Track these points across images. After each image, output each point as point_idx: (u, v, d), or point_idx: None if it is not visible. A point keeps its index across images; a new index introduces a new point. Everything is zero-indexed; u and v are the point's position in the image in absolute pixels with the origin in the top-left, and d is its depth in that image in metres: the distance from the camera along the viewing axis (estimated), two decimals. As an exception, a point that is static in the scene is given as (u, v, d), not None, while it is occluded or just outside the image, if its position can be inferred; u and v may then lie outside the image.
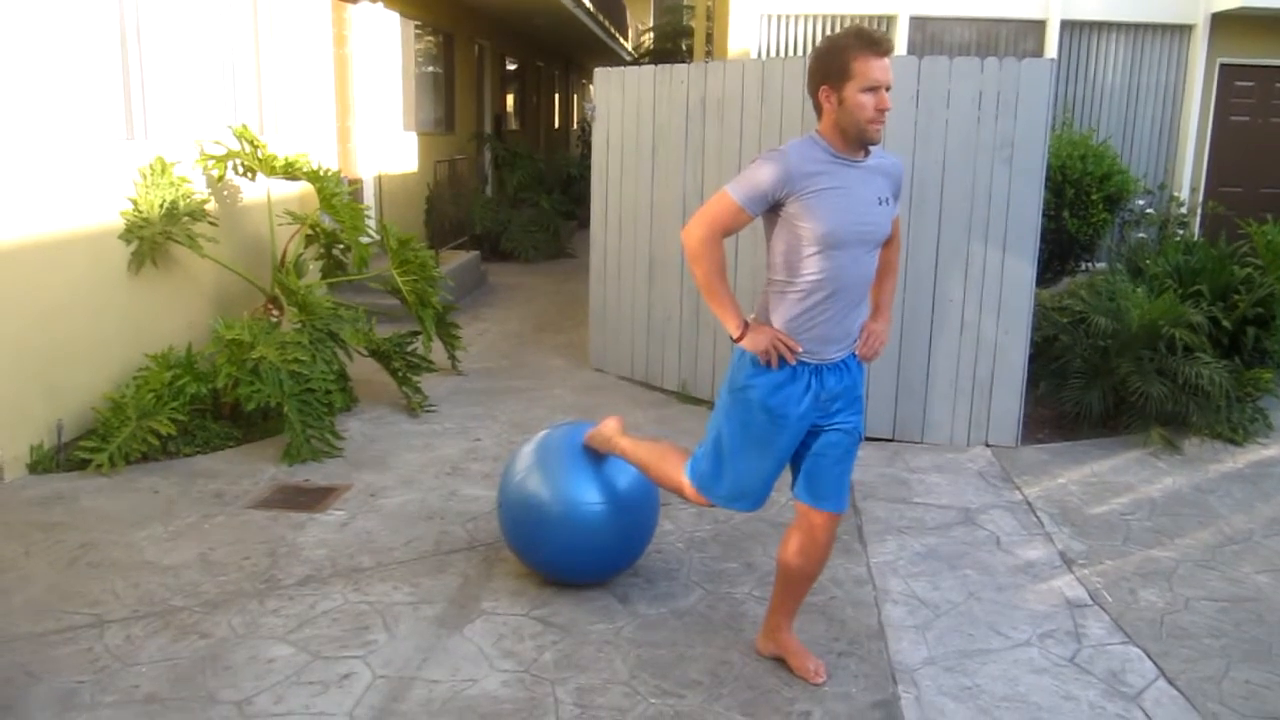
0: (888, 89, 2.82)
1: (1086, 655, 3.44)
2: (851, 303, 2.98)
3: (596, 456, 3.65)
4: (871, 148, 2.97)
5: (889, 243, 3.12)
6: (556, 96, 23.23)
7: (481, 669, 3.25)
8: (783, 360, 2.95)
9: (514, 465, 3.76)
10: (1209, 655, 3.47)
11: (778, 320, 2.97)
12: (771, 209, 2.90)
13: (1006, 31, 10.77)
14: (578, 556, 3.65)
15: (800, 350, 2.95)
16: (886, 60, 2.81)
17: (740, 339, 2.97)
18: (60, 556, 3.97)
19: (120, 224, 5.45)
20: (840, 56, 2.82)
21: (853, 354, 3.07)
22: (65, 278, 5.03)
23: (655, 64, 6.75)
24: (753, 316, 3.04)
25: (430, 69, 12.16)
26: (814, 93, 2.91)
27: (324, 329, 5.56)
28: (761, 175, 2.85)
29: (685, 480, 3.20)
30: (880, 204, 2.96)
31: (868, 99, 2.81)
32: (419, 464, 5.11)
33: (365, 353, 5.92)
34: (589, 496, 3.58)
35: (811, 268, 2.90)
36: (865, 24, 10.55)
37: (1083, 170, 7.40)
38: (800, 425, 3.02)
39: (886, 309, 3.20)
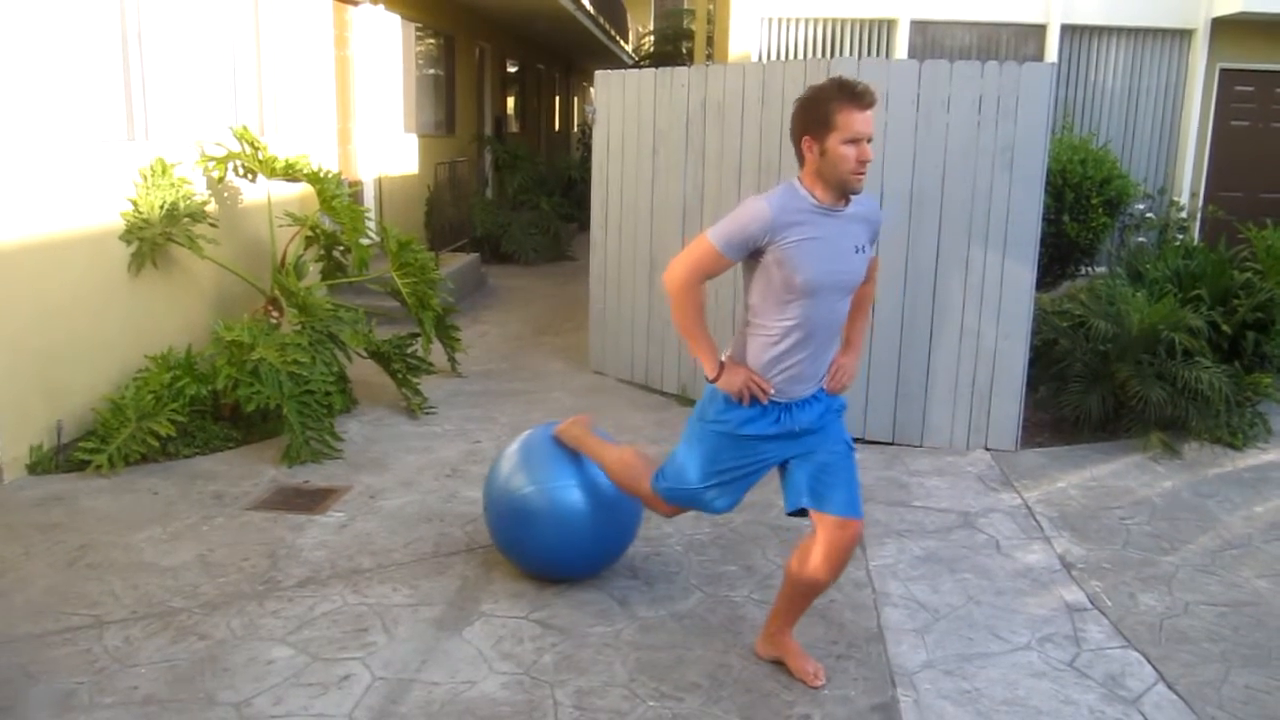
0: (869, 140, 2.86)
1: (1086, 659, 3.44)
2: (824, 345, 3.07)
3: (571, 451, 3.74)
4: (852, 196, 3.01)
5: (864, 282, 3.18)
6: (557, 99, 23.24)
7: (480, 671, 3.25)
8: (754, 399, 3.04)
9: (496, 469, 3.82)
10: (1208, 660, 3.47)
11: (752, 361, 3.05)
12: (751, 255, 2.95)
13: (1007, 35, 10.78)
14: (565, 545, 3.68)
15: (772, 391, 3.04)
16: (869, 112, 2.85)
17: (716, 379, 3.05)
18: (59, 557, 3.96)
19: (120, 225, 5.45)
20: (823, 107, 2.86)
21: (822, 389, 3.14)
22: (65, 279, 5.03)
23: (656, 67, 6.75)
24: (728, 354, 3.11)
25: (431, 71, 12.17)
26: (796, 142, 2.95)
27: (324, 330, 5.56)
28: (743, 223, 2.90)
29: (651, 490, 3.32)
30: (858, 252, 3.01)
31: (849, 150, 2.85)
32: (418, 466, 5.10)
33: (365, 354, 5.92)
34: (568, 481, 3.64)
35: (787, 313, 2.97)
36: (866, 28, 10.59)
37: (1083, 174, 7.41)
38: (769, 454, 3.11)
39: (858, 344, 3.28)
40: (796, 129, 2.94)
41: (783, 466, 3.18)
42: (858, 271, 3.02)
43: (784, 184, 2.99)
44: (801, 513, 3.17)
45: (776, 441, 3.10)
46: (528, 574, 3.87)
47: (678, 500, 3.28)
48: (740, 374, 3.02)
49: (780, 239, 2.88)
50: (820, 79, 5.30)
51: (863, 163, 2.86)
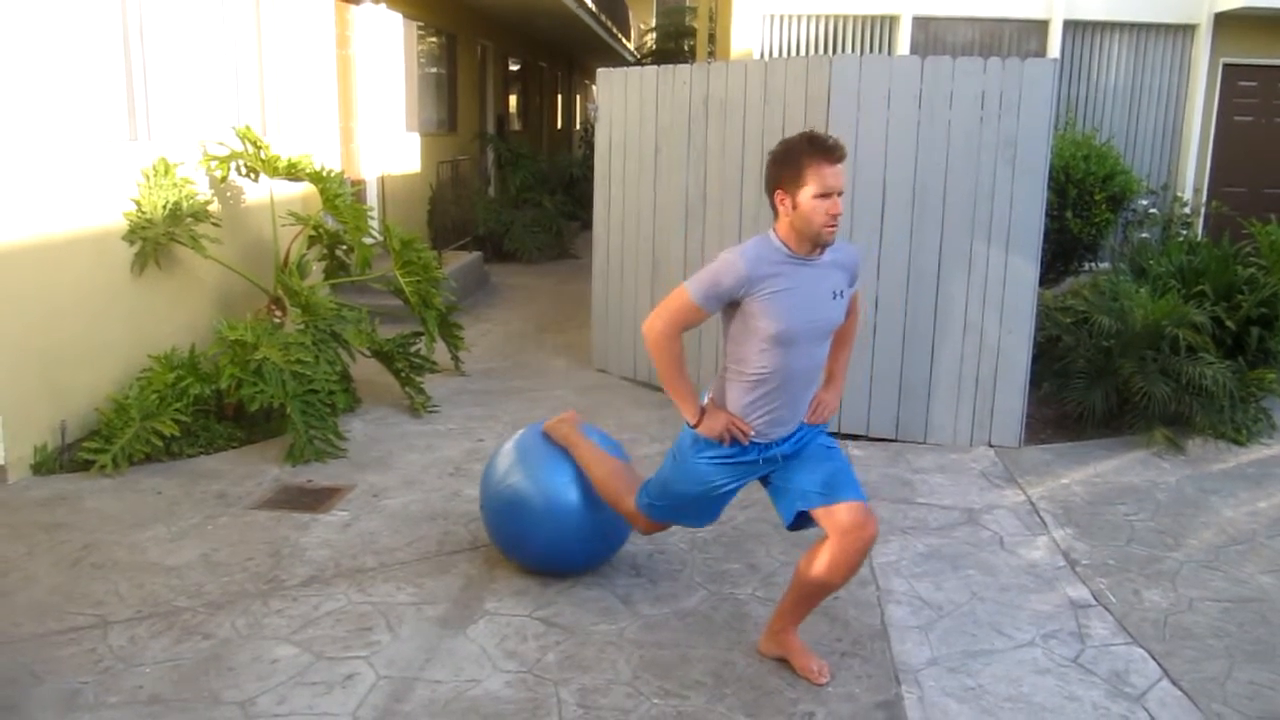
0: (840, 194, 2.93)
1: (1090, 656, 3.44)
2: (804, 388, 3.15)
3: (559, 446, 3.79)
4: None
5: (847, 317, 3.25)
6: (559, 97, 23.23)
7: (485, 669, 3.25)
8: (735, 440, 3.14)
9: (490, 468, 3.85)
10: (1213, 656, 3.46)
11: (732, 405, 3.14)
12: (729, 305, 3.04)
13: (1009, 31, 10.77)
14: (562, 538, 3.70)
15: (753, 434, 3.13)
16: (839, 166, 2.92)
17: (697, 425, 3.14)
18: (64, 557, 3.97)
19: (124, 225, 5.46)
20: (795, 162, 2.93)
21: (801, 423, 3.23)
22: (69, 279, 5.03)
23: (658, 64, 6.75)
24: (709, 398, 3.20)
25: (433, 70, 12.17)
26: (770, 194, 3.03)
27: (327, 330, 5.56)
28: (719, 277, 2.98)
29: (633, 507, 3.44)
30: (835, 298, 3.08)
31: (821, 204, 2.91)
32: (422, 464, 5.11)
33: (368, 353, 5.92)
34: (563, 474, 3.68)
35: (764, 360, 3.05)
36: (868, 25, 10.58)
37: (1086, 170, 7.39)
38: (749, 475, 3.24)
39: (840, 378, 3.37)
40: (770, 182, 3.02)
41: (765, 480, 3.28)
42: (835, 318, 3.11)
43: (758, 236, 3.08)
44: (799, 524, 3.20)
45: (755, 466, 3.21)
46: (529, 570, 3.87)
47: (660, 517, 3.39)
48: (721, 419, 3.11)
49: (756, 291, 2.97)
50: (822, 76, 5.33)
51: (833, 216, 2.94)
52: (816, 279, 3.03)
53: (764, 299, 2.96)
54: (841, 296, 3.10)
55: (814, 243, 2.98)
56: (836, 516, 3.05)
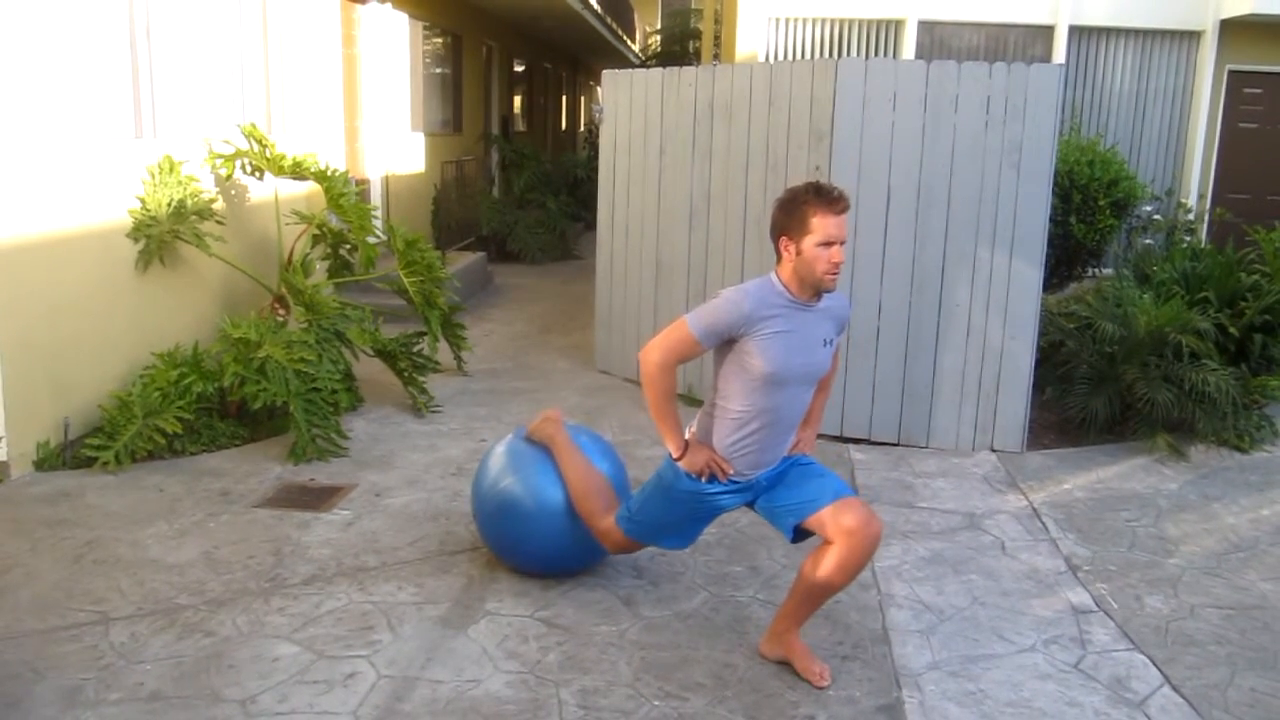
0: (842, 244, 3.03)
1: (1091, 661, 3.44)
2: (786, 431, 3.24)
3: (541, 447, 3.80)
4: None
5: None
6: (564, 98, 23.25)
7: (485, 670, 3.26)
8: (714, 476, 3.24)
9: (481, 473, 3.84)
10: (1214, 662, 3.46)
11: (716, 442, 3.23)
12: (725, 342, 3.12)
13: (1015, 36, 10.77)
14: (554, 539, 3.70)
15: (733, 472, 3.23)
16: (842, 216, 3.02)
17: (679, 459, 3.23)
18: (66, 553, 3.98)
19: (128, 222, 5.47)
20: (799, 210, 3.04)
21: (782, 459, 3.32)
22: (73, 275, 5.04)
23: (663, 66, 6.75)
24: (692, 431, 3.28)
25: (438, 70, 12.19)
26: (774, 240, 3.12)
27: (330, 328, 5.56)
28: (720, 314, 3.06)
29: (609, 525, 3.52)
30: (825, 345, 3.18)
31: (823, 252, 3.02)
32: (424, 464, 5.11)
33: (371, 353, 5.93)
34: (550, 482, 3.68)
35: (753, 400, 3.13)
36: (873, 28, 10.58)
37: (1090, 176, 7.39)
38: (730, 505, 3.34)
39: (817, 419, 3.49)
40: (775, 228, 3.12)
41: (751, 505, 3.36)
42: (823, 364, 3.20)
43: (761, 278, 3.16)
44: (801, 536, 3.25)
45: (738, 495, 3.31)
46: (527, 573, 3.87)
47: (637, 534, 3.47)
48: (703, 454, 3.21)
49: (755, 331, 3.05)
50: (828, 79, 5.34)
51: (835, 264, 3.03)
52: (812, 324, 3.14)
53: (762, 339, 3.05)
54: (829, 345, 3.20)
55: (815, 289, 3.09)
56: (841, 519, 3.06)
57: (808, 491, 3.17)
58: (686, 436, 3.27)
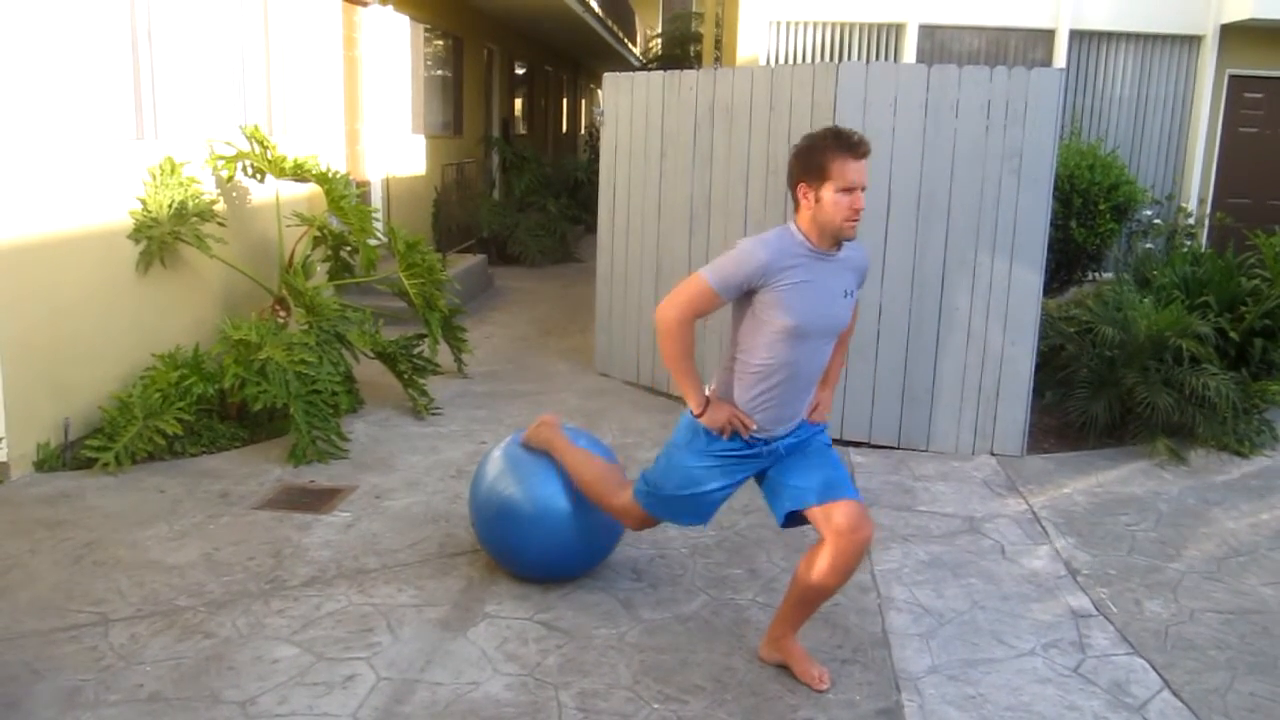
0: (863, 189, 2.94)
1: (1091, 666, 3.44)
2: (806, 386, 3.15)
3: (540, 453, 3.76)
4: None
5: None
6: (565, 101, 23.27)
7: (485, 672, 3.25)
8: (736, 433, 3.14)
9: (478, 477, 3.83)
10: (1214, 667, 3.46)
11: (736, 398, 3.13)
12: (744, 295, 3.03)
13: (1015, 40, 10.78)
14: (553, 545, 3.69)
15: (755, 427, 3.12)
16: (863, 162, 2.93)
17: (701, 415, 3.13)
18: (66, 555, 3.98)
19: (129, 224, 5.47)
20: (818, 157, 2.94)
21: (802, 421, 3.24)
22: (74, 277, 5.04)
23: (664, 70, 6.76)
24: (711, 389, 3.19)
25: (439, 72, 12.19)
26: (792, 188, 3.03)
27: (331, 330, 5.57)
28: (739, 265, 2.97)
29: (626, 502, 3.40)
30: (845, 296, 3.10)
31: (843, 199, 2.92)
32: (424, 466, 5.11)
33: (371, 355, 5.93)
34: (550, 487, 3.66)
35: (773, 354, 3.05)
36: (874, 32, 10.59)
37: (1090, 180, 7.40)
38: (747, 471, 3.23)
39: (834, 379, 3.39)
40: (792, 176, 3.03)
41: (761, 477, 3.28)
42: (844, 316, 3.11)
43: (780, 228, 3.07)
44: (791, 522, 3.20)
45: (755, 460, 3.21)
46: (537, 577, 3.87)
47: (655, 508, 3.33)
48: (725, 410, 3.12)
49: (774, 282, 2.97)
50: (829, 82, 5.34)
51: (855, 211, 2.94)
52: (832, 274, 3.04)
53: (781, 290, 2.96)
54: (850, 296, 3.10)
55: (835, 237, 2.99)
56: (833, 518, 3.04)
57: (812, 480, 3.11)
58: (706, 393, 3.17)
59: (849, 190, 2.91)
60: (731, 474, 3.21)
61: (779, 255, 2.96)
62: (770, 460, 3.21)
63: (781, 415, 3.14)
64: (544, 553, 3.72)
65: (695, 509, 3.29)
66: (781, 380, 3.07)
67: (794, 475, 3.15)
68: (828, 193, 2.92)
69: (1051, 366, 6.14)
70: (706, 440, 3.17)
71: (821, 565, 3.09)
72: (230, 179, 6.32)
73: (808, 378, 3.12)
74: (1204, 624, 3.76)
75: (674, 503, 3.27)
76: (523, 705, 3.08)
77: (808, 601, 3.20)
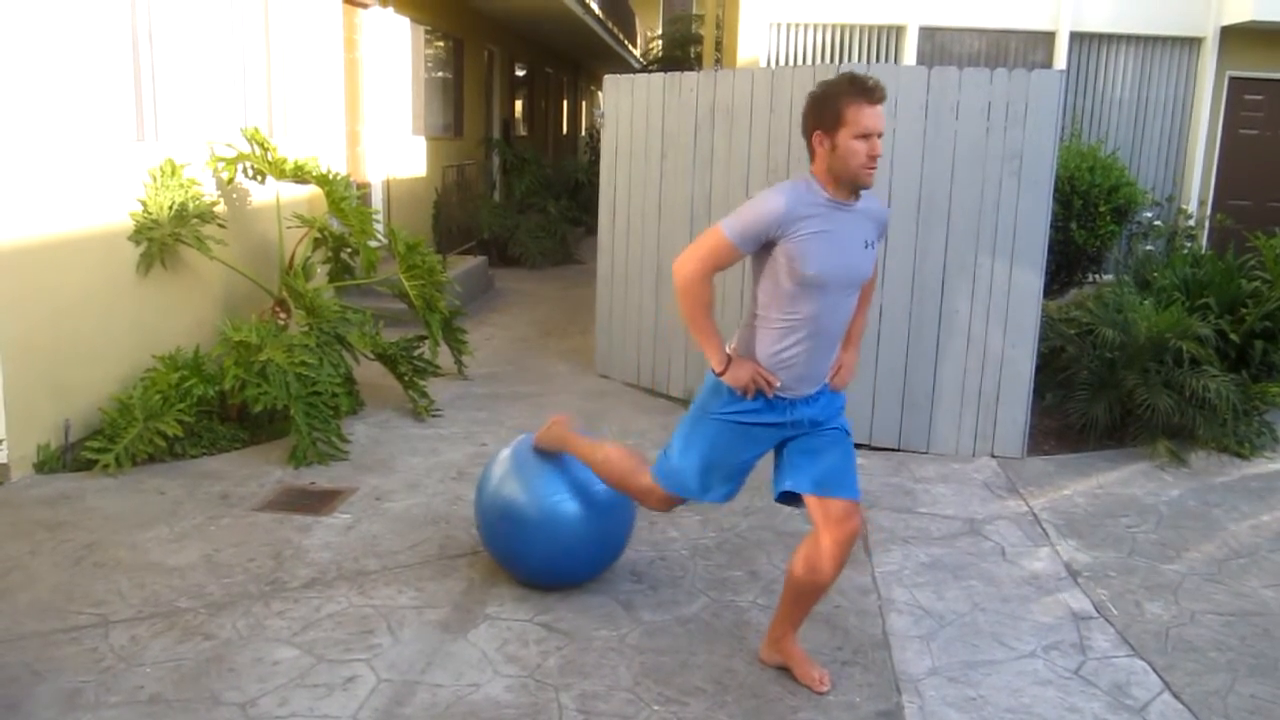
0: (880, 135, 2.88)
1: (1091, 667, 3.43)
2: (830, 343, 3.07)
3: (551, 457, 3.71)
4: (861, 191, 3.01)
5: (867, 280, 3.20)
6: (565, 103, 23.28)
7: (485, 674, 3.25)
8: (759, 393, 3.05)
9: (485, 480, 3.80)
10: (1215, 669, 3.46)
11: (759, 355, 3.05)
12: (762, 247, 2.97)
13: (1016, 42, 10.78)
14: (557, 554, 3.67)
15: (778, 385, 3.04)
16: (879, 108, 2.87)
17: (723, 373, 3.04)
18: (66, 556, 3.98)
19: (129, 225, 5.47)
20: (834, 103, 2.88)
21: (825, 385, 3.16)
22: (74, 278, 5.04)
23: (664, 71, 6.76)
24: (733, 348, 3.11)
25: (439, 74, 12.20)
26: (807, 136, 2.97)
27: (331, 332, 5.57)
28: (756, 215, 2.91)
29: (649, 483, 3.27)
30: (866, 247, 3.03)
31: (860, 145, 2.86)
32: (424, 468, 5.11)
33: (372, 356, 5.93)
34: (558, 493, 3.62)
35: (796, 307, 2.98)
36: (874, 34, 10.60)
37: (1091, 182, 7.41)
38: (769, 440, 3.13)
39: (857, 341, 3.32)
40: (808, 124, 2.95)
41: (778, 450, 3.18)
42: (866, 268, 3.04)
43: (796, 178, 3.00)
44: (788, 499, 3.17)
45: (778, 429, 3.11)
46: (530, 585, 3.87)
47: (676, 489, 3.21)
48: (747, 368, 3.03)
49: (792, 232, 2.90)
50: (829, 85, 5.34)
51: (873, 158, 2.88)
52: (851, 224, 2.98)
53: (800, 240, 2.90)
54: (870, 248, 3.04)
55: (852, 185, 2.93)
56: (827, 508, 3.05)
57: (818, 467, 3.06)
58: (728, 351, 3.08)
59: (865, 136, 2.85)
60: (755, 443, 3.11)
61: (796, 204, 2.90)
62: (793, 431, 3.11)
63: (806, 373, 3.05)
64: (548, 559, 3.69)
65: (717, 480, 3.17)
66: (804, 336, 3.00)
67: (804, 459, 3.10)
68: (844, 139, 2.86)
69: (1052, 368, 6.14)
70: (730, 400, 3.08)
71: (812, 557, 3.10)
72: (231, 181, 6.32)
73: (831, 333, 3.05)
74: (1205, 626, 3.76)
75: (696, 475, 3.16)
76: (523, 707, 3.08)
77: (804, 597, 3.20)
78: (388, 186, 10.15)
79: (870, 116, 2.85)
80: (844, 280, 2.98)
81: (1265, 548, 4.49)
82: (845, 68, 5.32)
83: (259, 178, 6.37)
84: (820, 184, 2.96)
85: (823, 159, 2.93)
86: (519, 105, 17.24)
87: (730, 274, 5.91)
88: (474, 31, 13.41)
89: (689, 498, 3.25)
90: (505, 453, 3.84)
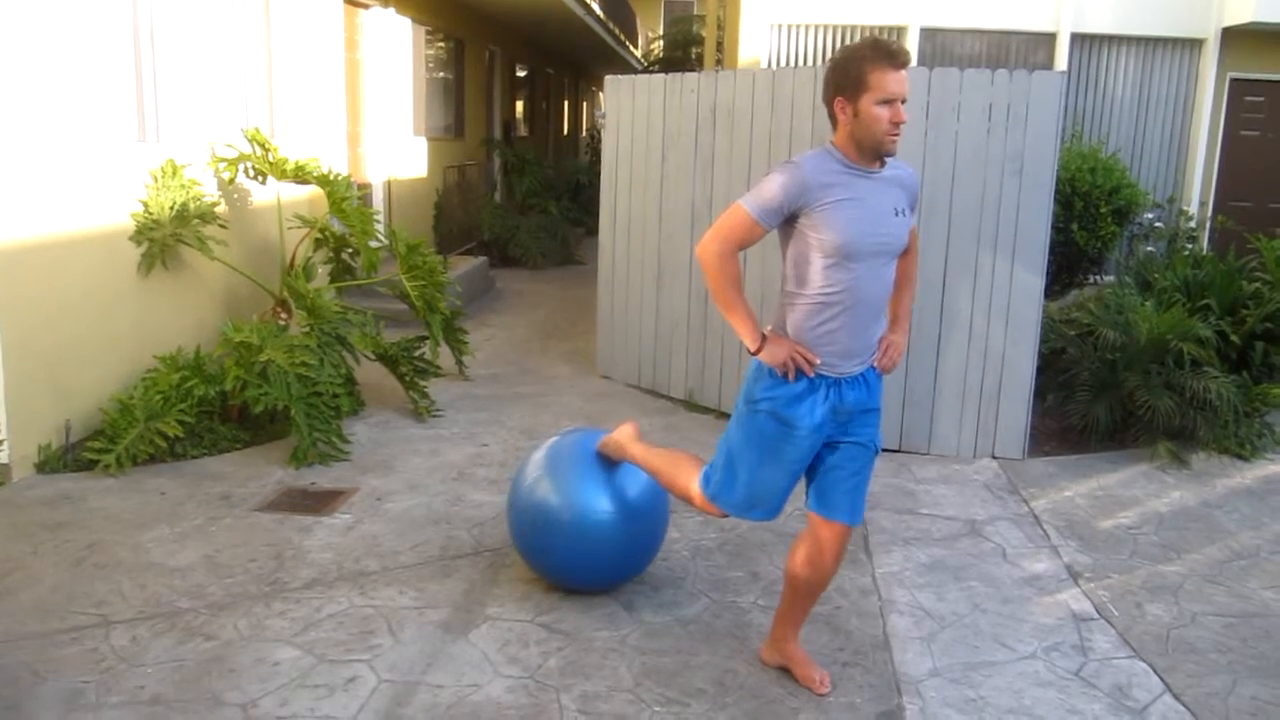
0: (903, 101, 2.79)
1: (1092, 669, 3.43)
2: (870, 316, 2.96)
3: (608, 464, 3.64)
4: (887, 159, 2.93)
5: (906, 253, 3.10)
6: (566, 103, 23.28)
7: (486, 675, 3.25)
8: (800, 373, 2.94)
9: (525, 470, 3.75)
10: (1216, 671, 3.45)
11: (794, 333, 2.95)
12: (787, 221, 2.89)
13: (1017, 44, 10.78)
14: (586, 563, 3.64)
15: (818, 362, 2.93)
16: (903, 73, 2.78)
17: (758, 352, 2.95)
18: (67, 557, 3.98)
19: (131, 226, 5.47)
20: (856, 68, 2.80)
21: (871, 367, 3.05)
22: (75, 278, 5.04)
23: (665, 72, 6.76)
24: (769, 329, 3.03)
25: (441, 74, 12.20)
26: (829, 103, 2.89)
27: (332, 333, 5.57)
28: (775, 188, 2.83)
29: (697, 489, 3.16)
30: (897, 215, 2.92)
31: (883, 111, 2.78)
32: (425, 469, 5.11)
33: (373, 357, 5.93)
34: (599, 504, 3.56)
35: (828, 280, 2.88)
36: (876, 35, 10.60)
37: (1092, 183, 7.40)
38: (816, 438, 2.99)
39: (904, 320, 3.18)
40: (829, 90, 2.88)
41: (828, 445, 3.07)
42: (899, 236, 2.93)
43: (817, 148, 2.94)
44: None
45: (819, 431, 2.98)
46: (539, 578, 3.87)
47: (724, 503, 3.11)
48: (784, 345, 2.93)
49: (815, 201, 2.83)
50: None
51: (896, 124, 2.80)
52: (877, 191, 2.88)
53: (824, 210, 2.82)
54: (903, 215, 2.94)
55: (875, 152, 2.85)
56: (821, 524, 3.07)
57: (832, 488, 3.03)
58: (765, 332, 2.98)
59: (889, 102, 2.76)
60: (804, 436, 2.96)
61: (816, 172, 2.83)
62: (834, 429, 2.99)
63: (848, 348, 2.94)
64: (575, 560, 3.63)
65: (764, 495, 3.03)
66: (841, 310, 2.89)
67: (820, 472, 3.05)
68: (866, 105, 2.78)
69: (1053, 369, 6.14)
70: (772, 384, 2.95)
71: (800, 556, 3.12)
72: (232, 181, 6.32)
73: (870, 306, 2.93)
74: (1206, 627, 3.76)
75: (748, 487, 3.03)
76: (524, 708, 3.08)
77: (799, 595, 3.20)
78: (389, 187, 10.15)
79: (894, 81, 2.76)
80: (874, 249, 2.88)
81: (1266, 549, 4.49)
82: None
83: (260, 178, 6.37)
84: (842, 152, 2.88)
85: (845, 126, 2.85)
86: (520, 106, 17.24)
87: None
88: (475, 32, 13.41)
89: (729, 509, 3.12)
90: (539, 454, 3.75)
